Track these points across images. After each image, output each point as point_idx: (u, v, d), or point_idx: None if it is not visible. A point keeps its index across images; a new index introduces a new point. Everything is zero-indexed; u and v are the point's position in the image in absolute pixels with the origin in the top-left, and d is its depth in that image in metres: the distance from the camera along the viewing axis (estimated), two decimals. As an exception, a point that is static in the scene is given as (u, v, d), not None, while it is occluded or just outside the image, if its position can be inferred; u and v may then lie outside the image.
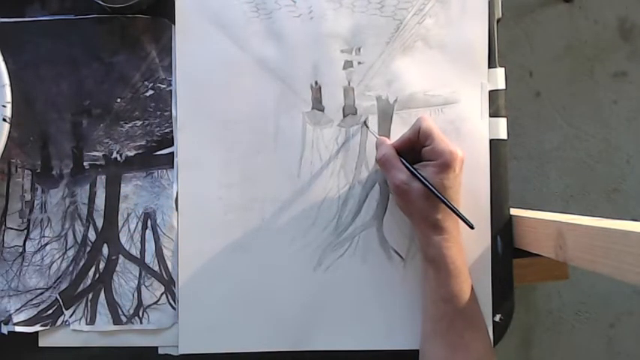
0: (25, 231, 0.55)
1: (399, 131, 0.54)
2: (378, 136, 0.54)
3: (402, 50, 0.56)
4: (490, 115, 0.55)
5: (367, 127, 0.55)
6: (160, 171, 0.56)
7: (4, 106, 0.51)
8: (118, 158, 0.56)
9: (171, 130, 0.56)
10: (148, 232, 0.55)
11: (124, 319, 0.55)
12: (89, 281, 0.55)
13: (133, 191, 0.56)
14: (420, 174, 0.49)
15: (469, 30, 0.56)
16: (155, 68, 0.56)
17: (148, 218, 0.55)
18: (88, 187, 0.56)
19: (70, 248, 0.55)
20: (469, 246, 0.53)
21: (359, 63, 0.56)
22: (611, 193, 1.31)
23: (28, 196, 0.55)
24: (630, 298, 1.29)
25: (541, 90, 1.32)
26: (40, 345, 0.55)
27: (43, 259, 0.55)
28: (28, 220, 0.55)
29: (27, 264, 0.55)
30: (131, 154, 0.56)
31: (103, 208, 0.55)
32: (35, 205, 0.55)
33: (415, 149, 0.51)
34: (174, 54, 0.56)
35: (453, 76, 0.55)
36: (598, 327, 1.29)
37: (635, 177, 1.31)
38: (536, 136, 1.31)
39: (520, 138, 1.31)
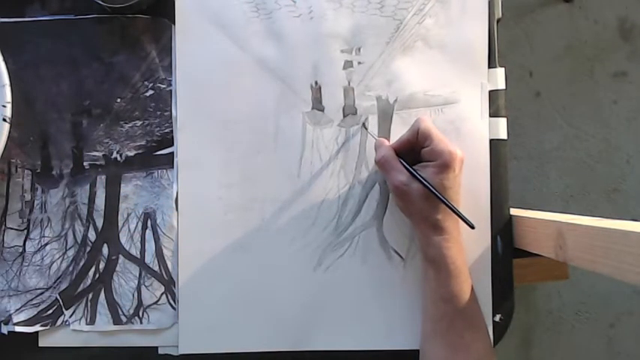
0: (25, 231, 0.55)
1: (399, 131, 0.54)
2: (377, 138, 0.54)
3: (402, 50, 0.56)
4: (490, 115, 0.55)
5: (366, 128, 0.55)
6: (159, 171, 0.56)
7: (4, 106, 0.51)
8: (118, 158, 0.56)
9: (171, 130, 0.56)
10: (148, 232, 0.55)
11: (124, 319, 0.55)
12: (89, 281, 0.55)
13: (133, 191, 0.56)
14: (419, 175, 0.49)
15: (469, 30, 0.56)
16: (155, 68, 0.56)
17: (148, 218, 0.55)
18: (88, 187, 0.56)
19: (70, 248, 0.55)
20: (469, 246, 0.53)
21: (359, 63, 0.56)
22: (611, 193, 1.31)
23: (28, 196, 0.55)
24: (630, 298, 1.29)
25: (541, 90, 1.32)
26: (40, 345, 0.55)
27: (43, 259, 0.55)
28: (28, 220, 0.55)
29: (27, 264, 0.55)
30: (131, 154, 0.56)
31: (103, 208, 0.55)
32: (35, 205, 0.55)
33: (414, 150, 0.51)
34: (174, 54, 0.56)
35: (453, 76, 0.55)
36: (598, 327, 1.29)
37: (635, 177, 1.31)
38: (536, 136, 1.31)
39: (520, 138, 1.31)
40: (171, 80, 0.56)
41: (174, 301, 0.55)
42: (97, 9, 0.55)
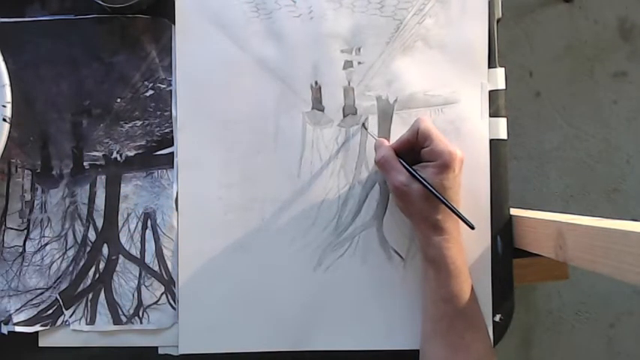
0: (25, 231, 0.55)
1: (399, 131, 0.54)
2: (376, 138, 0.54)
3: (402, 50, 0.56)
4: (490, 115, 0.55)
5: (366, 128, 0.55)
6: (159, 171, 0.56)
7: (4, 106, 0.51)
8: (118, 158, 0.56)
9: (171, 130, 0.56)
10: (148, 232, 0.55)
11: (124, 319, 0.55)
12: (89, 281, 0.55)
13: (133, 191, 0.56)
14: (419, 175, 0.49)
15: (469, 30, 0.56)
16: (155, 68, 0.56)
17: (148, 218, 0.55)
18: (88, 187, 0.56)
19: (70, 248, 0.55)
20: (469, 246, 0.53)
21: (359, 63, 0.56)
22: (611, 193, 1.31)
23: (28, 196, 0.55)
24: (630, 298, 1.29)
25: (541, 90, 1.32)
26: (40, 345, 0.55)
27: (43, 259, 0.55)
28: (28, 220, 0.55)
29: (27, 264, 0.55)
30: (131, 154, 0.56)
31: (103, 208, 0.55)
32: (35, 205, 0.55)
33: (414, 150, 0.51)
34: (174, 54, 0.56)
35: (453, 76, 0.55)
36: (598, 327, 1.29)
37: (635, 177, 1.31)
38: (536, 136, 1.31)
39: (520, 138, 1.31)
40: (171, 80, 0.56)
41: (174, 301, 0.55)
42: (97, 9, 0.55)
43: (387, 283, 0.55)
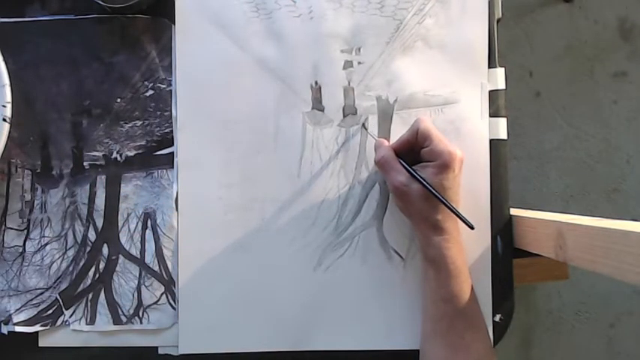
0: (25, 231, 0.55)
1: (399, 131, 0.54)
2: (376, 138, 0.54)
3: (402, 50, 0.56)
4: (490, 115, 0.55)
5: (366, 129, 0.55)
6: (159, 171, 0.56)
7: (4, 106, 0.51)
8: (118, 158, 0.56)
9: (171, 130, 0.56)
10: (148, 232, 0.55)
11: (124, 319, 0.55)
12: (89, 281, 0.55)
13: (133, 191, 0.56)
14: (419, 175, 0.49)
15: (469, 30, 0.56)
16: (155, 68, 0.56)
17: (148, 218, 0.55)
18: (88, 187, 0.56)
19: (70, 248, 0.55)
20: (469, 246, 0.53)
21: (359, 63, 0.56)
22: (611, 193, 1.31)
23: (28, 196, 0.55)
24: (630, 298, 1.29)
25: (541, 90, 1.32)
26: (40, 345, 0.55)
27: (43, 259, 0.55)
28: (28, 220, 0.55)
29: (27, 264, 0.55)
30: (131, 154, 0.56)
31: (103, 208, 0.55)
32: (35, 205, 0.55)
33: (414, 150, 0.51)
34: (174, 54, 0.56)
35: (453, 76, 0.55)
36: (598, 327, 1.29)
37: (635, 177, 1.31)
38: (536, 136, 1.31)
39: (520, 138, 1.31)
40: (171, 80, 0.56)
41: (174, 301, 0.55)
42: (97, 9, 0.55)
43: (387, 283, 0.55)
